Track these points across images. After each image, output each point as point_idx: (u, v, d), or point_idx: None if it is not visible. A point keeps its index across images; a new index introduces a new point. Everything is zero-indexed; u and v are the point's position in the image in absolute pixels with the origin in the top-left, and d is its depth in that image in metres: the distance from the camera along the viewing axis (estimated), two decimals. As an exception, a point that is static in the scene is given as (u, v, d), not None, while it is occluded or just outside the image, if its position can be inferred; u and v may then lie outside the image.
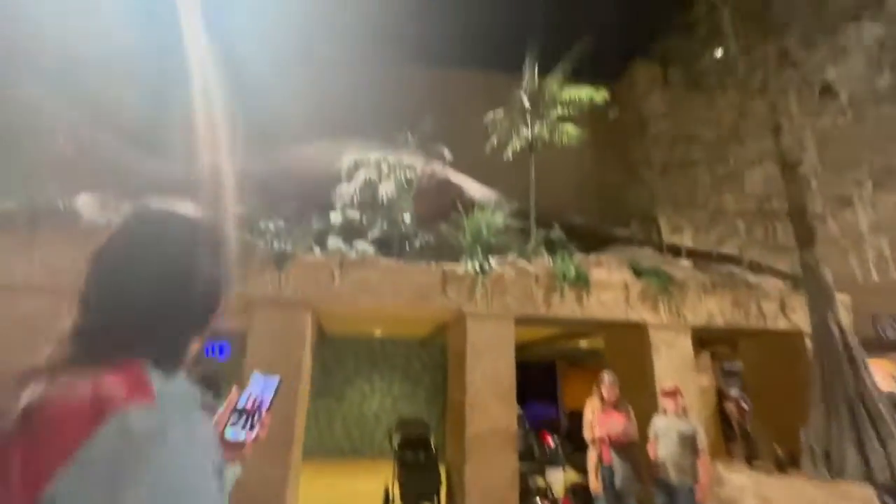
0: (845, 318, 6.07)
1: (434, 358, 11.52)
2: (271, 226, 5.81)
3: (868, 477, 4.66)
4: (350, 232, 5.93)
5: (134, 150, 7.38)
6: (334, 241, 5.76)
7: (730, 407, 8.58)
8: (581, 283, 5.99)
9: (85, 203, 5.75)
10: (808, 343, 6.24)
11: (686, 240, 7.76)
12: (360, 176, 6.27)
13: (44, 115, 7.01)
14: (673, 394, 4.41)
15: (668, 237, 8.01)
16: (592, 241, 8.39)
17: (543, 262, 6.22)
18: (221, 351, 10.25)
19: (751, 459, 6.73)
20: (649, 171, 7.83)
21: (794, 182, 6.23)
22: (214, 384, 4.59)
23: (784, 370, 6.68)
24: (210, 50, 7.07)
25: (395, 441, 6.47)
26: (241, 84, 9.09)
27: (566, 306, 5.91)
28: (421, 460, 5.91)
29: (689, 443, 4.14)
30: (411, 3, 8.93)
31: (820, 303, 5.84)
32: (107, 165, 6.94)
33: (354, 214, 6.07)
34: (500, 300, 5.77)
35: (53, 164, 6.43)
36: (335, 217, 6.04)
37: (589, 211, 9.30)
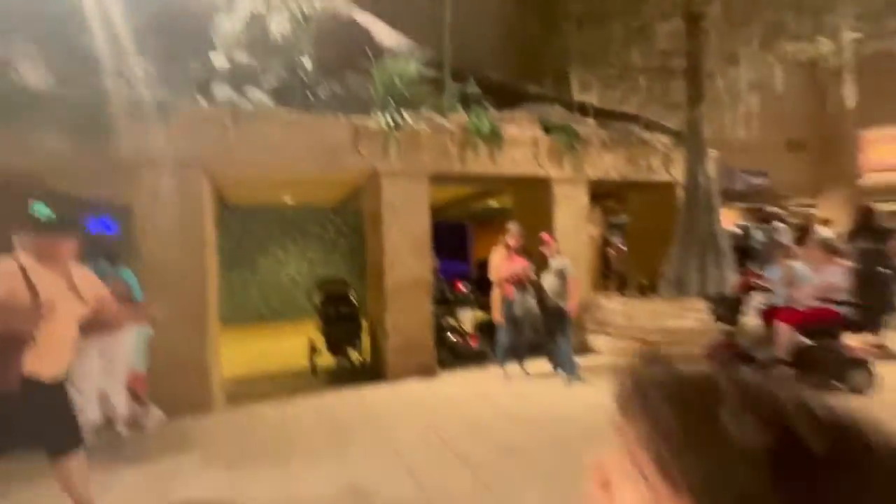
0: (712, 171, 6.99)
1: (349, 223, 11.48)
2: (138, 70, 4.77)
3: (703, 293, 5.96)
4: (239, 78, 5.09)
5: None
6: (221, 90, 4.96)
7: (609, 251, 10.08)
8: (495, 139, 6.02)
9: None
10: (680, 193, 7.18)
11: (594, 97, 7.93)
12: (244, 7, 5.17)
13: None
14: (546, 242, 5.44)
15: (578, 94, 8.12)
16: (507, 97, 8.25)
17: (458, 118, 6.06)
18: (108, 226, 9.15)
19: (622, 290, 8.16)
20: (566, 25, 7.51)
21: (695, 38, 6.43)
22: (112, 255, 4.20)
23: (658, 217, 7.74)
24: None
25: (317, 299, 6.71)
26: None
27: (480, 163, 6.01)
28: (343, 312, 6.28)
29: (561, 274, 5.26)
30: None
31: (694, 157, 6.60)
32: None
33: (242, 57, 5.16)
34: (415, 157, 5.66)
35: None
36: (218, 60, 5.09)
37: (507, 66, 8.91)
